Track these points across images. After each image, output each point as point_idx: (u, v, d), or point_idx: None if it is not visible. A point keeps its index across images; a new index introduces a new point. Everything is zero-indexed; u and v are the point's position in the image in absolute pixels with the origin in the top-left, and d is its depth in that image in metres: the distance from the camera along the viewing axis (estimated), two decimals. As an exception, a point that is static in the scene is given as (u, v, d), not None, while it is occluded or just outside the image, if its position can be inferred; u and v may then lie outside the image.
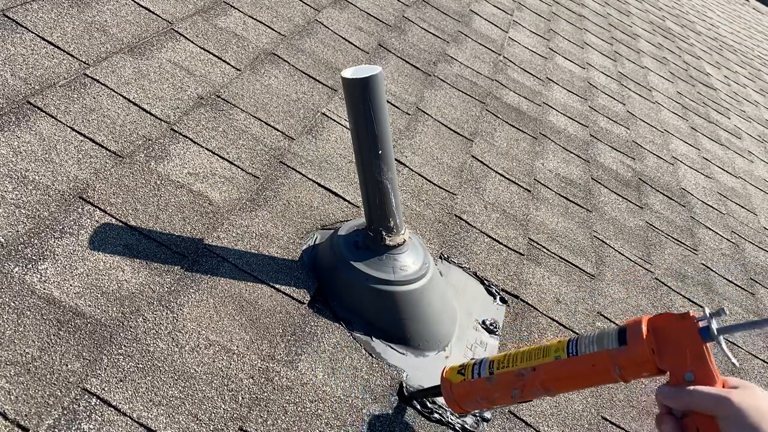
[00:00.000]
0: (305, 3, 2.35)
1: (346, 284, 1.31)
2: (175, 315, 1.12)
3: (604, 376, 0.98)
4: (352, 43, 2.30)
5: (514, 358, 1.07)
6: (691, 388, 0.89)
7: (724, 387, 0.91)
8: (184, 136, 1.49)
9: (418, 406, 1.23)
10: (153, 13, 1.80)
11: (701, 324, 0.91)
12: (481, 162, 2.12)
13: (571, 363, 1.00)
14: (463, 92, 2.47)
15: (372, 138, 1.25)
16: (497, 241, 1.80)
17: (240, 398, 1.06)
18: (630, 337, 0.95)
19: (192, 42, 1.79)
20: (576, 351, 1.00)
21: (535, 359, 1.04)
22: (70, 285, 1.06)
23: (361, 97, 1.21)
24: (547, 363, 1.03)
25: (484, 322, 1.50)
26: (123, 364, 1.00)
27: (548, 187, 2.22)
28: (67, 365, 0.96)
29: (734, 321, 2.14)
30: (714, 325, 0.90)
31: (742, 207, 3.03)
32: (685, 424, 0.91)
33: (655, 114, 3.46)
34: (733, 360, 0.90)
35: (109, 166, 1.31)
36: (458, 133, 2.19)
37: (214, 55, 1.80)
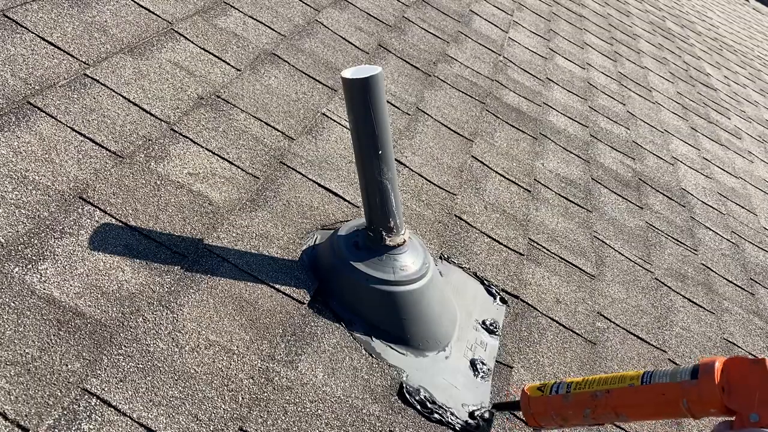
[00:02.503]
0: (305, 3, 2.35)
1: (346, 284, 1.31)
2: (175, 315, 1.12)
3: (673, 408, 1.04)
4: (352, 43, 2.30)
5: (592, 382, 1.14)
6: (754, 428, 0.94)
7: None
8: (184, 136, 1.48)
9: (418, 406, 1.23)
10: (153, 13, 1.80)
11: None
12: (481, 162, 2.12)
13: (643, 391, 1.06)
14: (463, 92, 2.47)
15: (372, 138, 1.25)
16: (497, 241, 1.80)
17: (240, 398, 1.06)
18: (702, 373, 1.00)
19: (192, 42, 1.79)
20: (650, 381, 1.06)
21: (610, 384, 1.11)
22: (70, 285, 1.06)
23: (361, 97, 1.21)
24: (620, 388, 1.09)
25: (484, 323, 1.50)
26: (123, 364, 1.00)
27: (548, 187, 2.22)
28: (67, 365, 0.96)
29: None
30: None
31: (742, 207, 3.03)
32: None
33: (655, 114, 3.46)
34: None
35: (109, 166, 1.31)
36: (458, 133, 2.19)
37: (214, 55, 1.80)
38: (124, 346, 1.03)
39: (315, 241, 1.43)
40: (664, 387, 1.04)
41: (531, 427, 1.26)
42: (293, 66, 1.98)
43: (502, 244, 1.80)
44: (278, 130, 1.68)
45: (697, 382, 1.00)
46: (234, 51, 1.87)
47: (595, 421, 1.13)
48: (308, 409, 1.12)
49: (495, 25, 3.30)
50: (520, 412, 1.25)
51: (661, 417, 1.12)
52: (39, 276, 1.04)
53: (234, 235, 1.33)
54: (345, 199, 1.60)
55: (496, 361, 1.44)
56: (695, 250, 2.40)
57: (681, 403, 1.02)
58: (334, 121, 1.86)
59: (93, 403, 0.94)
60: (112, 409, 0.94)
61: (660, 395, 1.05)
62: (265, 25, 2.08)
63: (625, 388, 1.09)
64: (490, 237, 1.80)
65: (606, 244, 2.11)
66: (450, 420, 1.24)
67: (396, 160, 1.84)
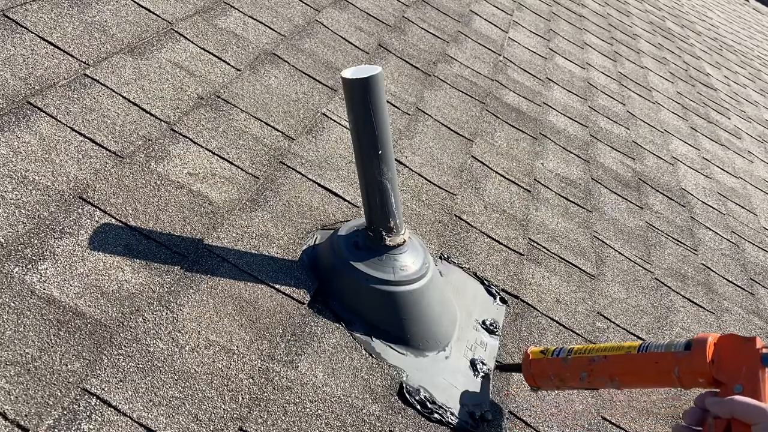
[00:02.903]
0: (305, 3, 2.35)
1: (346, 284, 1.31)
2: (175, 315, 1.12)
3: (664, 376, 1.10)
4: (352, 43, 2.30)
5: (591, 349, 1.21)
6: (737, 397, 0.99)
7: None
8: (184, 136, 1.48)
9: (418, 406, 1.23)
10: (153, 13, 1.80)
11: (765, 350, 1.02)
12: (481, 162, 2.12)
13: (638, 358, 1.13)
14: (463, 92, 2.47)
15: (372, 138, 1.25)
16: (497, 241, 1.80)
17: (240, 398, 1.06)
18: (695, 345, 1.07)
19: (192, 42, 1.79)
20: (646, 350, 1.13)
21: (608, 351, 1.18)
22: (70, 285, 1.06)
23: (361, 97, 1.21)
24: (617, 355, 1.16)
25: (484, 323, 1.50)
26: (123, 364, 1.00)
27: (548, 187, 2.22)
28: (67, 365, 0.96)
29: None
30: None
31: (742, 207, 3.03)
32: (714, 425, 1.01)
33: (655, 114, 3.46)
34: None
35: (109, 166, 1.31)
36: (458, 133, 2.19)
37: (214, 55, 1.80)
38: (124, 346, 1.03)
39: (315, 241, 1.43)
40: (658, 356, 1.10)
41: (529, 386, 1.32)
42: (293, 66, 1.98)
43: (502, 244, 1.80)
44: (278, 130, 1.68)
45: (690, 353, 1.06)
46: (234, 51, 1.87)
47: (591, 384, 1.19)
48: (308, 409, 1.12)
49: (495, 25, 3.30)
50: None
51: (652, 385, 1.17)
52: (39, 276, 1.04)
53: (234, 235, 1.33)
54: (345, 199, 1.60)
55: (496, 361, 1.44)
56: (695, 250, 2.40)
57: (673, 371, 1.08)
58: (334, 121, 1.86)
59: (93, 403, 0.94)
60: (112, 409, 0.94)
61: (654, 363, 1.11)
62: (265, 25, 2.08)
63: (621, 355, 1.15)
64: (490, 237, 1.80)
65: (606, 244, 2.11)
66: (450, 420, 1.24)
67: (396, 160, 1.84)
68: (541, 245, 1.90)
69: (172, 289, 1.16)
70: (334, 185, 1.62)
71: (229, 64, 1.80)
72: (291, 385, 1.13)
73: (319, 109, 1.86)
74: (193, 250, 1.25)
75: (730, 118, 4.18)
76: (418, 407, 1.23)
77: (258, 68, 1.87)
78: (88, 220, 1.18)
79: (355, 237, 1.36)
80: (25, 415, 0.88)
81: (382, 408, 1.19)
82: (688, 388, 1.09)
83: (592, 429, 1.42)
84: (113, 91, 1.48)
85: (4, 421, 0.86)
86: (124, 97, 1.48)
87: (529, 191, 2.13)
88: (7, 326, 0.96)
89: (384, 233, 1.32)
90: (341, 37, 2.30)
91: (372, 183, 1.29)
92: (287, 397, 1.11)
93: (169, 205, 1.31)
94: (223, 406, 1.03)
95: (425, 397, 1.25)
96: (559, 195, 2.21)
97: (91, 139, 1.34)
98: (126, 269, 1.14)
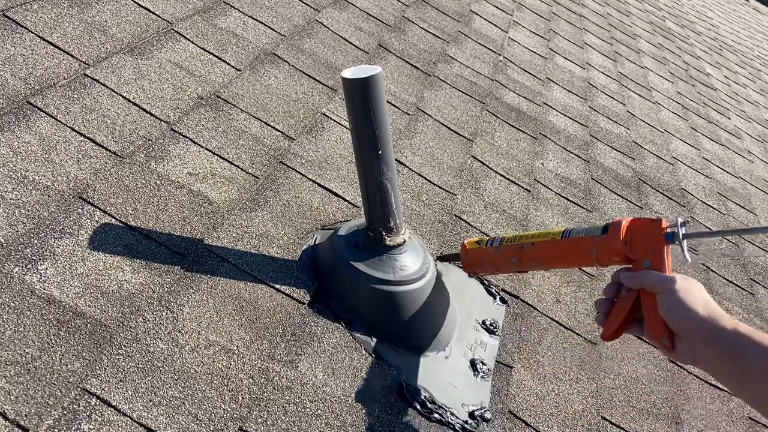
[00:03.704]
0: (305, 3, 2.35)
1: (346, 284, 1.31)
2: (175, 315, 1.12)
3: (584, 257, 1.21)
4: (352, 43, 2.30)
5: (521, 237, 1.32)
6: (646, 271, 1.12)
7: None
8: (184, 136, 1.49)
9: (418, 407, 1.23)
10: (153, 13, 1.80)
11: (669, 229, 1.14)
12: (481, 162, 2.12)
13: (562, 243, 1.25)
14: (463, 92, 2.47)
15: (372, 138, 1.25)
16: (497, 241, 1.80)
17: (240, 398, 1.06)
18: (611, 228, 1.18)
19: (192, 42, 1.79)
20: (569, 236, 1.24)
21: (536, 238, 1.29)
22: (70, 285, 1.06)
23: (361, 97, 1.21)
24: (543, 241, 1.27)
25: (484, 322, 1.50)
26: (123, 364, 1.00)
27: (548, 187, 2.22)
28: (67, 365, 0.96)
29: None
30: (680, 231, 1.12)
31: (742, 207, 3.03)
32: (627, 296, 1.14)
33: (655, 114, 3.46)
34: (687, 258, 1.14)
35: (109, 166, 1.31)
36: (458, 133, 2.19)
37: (214, 55, 1.80)
38: (124, 346, 1.03)
39: (315, 241, 1.43)
40: (579, 240, 1.21)
41: (467, 272, 1.44)
42: (293, 66, 1.98)
43: (502, 244, 1.80)
44: (278, 130, 1.68)
45: (607, 236, 1.17)
46: (234, 51, 1.87)
47: (521, 268, 1.32)
48: (308, 409, 1.12)
49: (495, 25, 3.30)
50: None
51: (573, 265, 1.28)
52: (39, 276, 1.04)
53: (234, 235, 1.33)
54: (345, 199, 1.60)
55: (496, 361, 1.44)
56: (695, 250, 2.39)
57: (591, 252, 1.19)
58: (334, 121, 1.86)
59: (93, 403, 0.94)
60: (112, 409, 0.94)
61: (576, 247, 1.22)
62: (265, 25, 2.08)
63: (547, 241, 1.26)
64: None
65: (606, 244, 2.11)
66: (450, 420, 1.24)
67: (396, 160, 1.84)
68: (541, 245, 1.90)
69: (172, 289, 1.16)
70: (334, 185, 1.62)
71: (229, 64, 1.80)
72: (291, 385, 1.13)
73: (319, 109, 1.86)
74: (193, 250, 1.25)
75: (730, 118, 4.18)
76: (418, 407, 1.23)
77: (258, 68, 1.87)
78: (88, 220, 1.18)
79: (355, 237, 1.36)
80: (25, 415, 0.88)
81: (382, 408, 1.19)
82: (604, 266, 1.20)
83: (592, 429, 1.42)
84: (113, 91, 1.48)
85: (4, 421, 0.86)
86: (124, 97, 1.48)
87: (529, 191, 2.13)
88: (7, 326, 0.96)
89: (384, 233, 1.32)
90: (341, 37, 2.30)
91: (372, 183, 1.29)
92: (287, 397, 1.11)
93: (169, 205, 1.31)
94: (223, 406, 1.03)
95: (425, 397, 1.25)
96: (559, 195, 2.21)
97: (91, 139, 1.34)
98: (126, 269, 1.14)
